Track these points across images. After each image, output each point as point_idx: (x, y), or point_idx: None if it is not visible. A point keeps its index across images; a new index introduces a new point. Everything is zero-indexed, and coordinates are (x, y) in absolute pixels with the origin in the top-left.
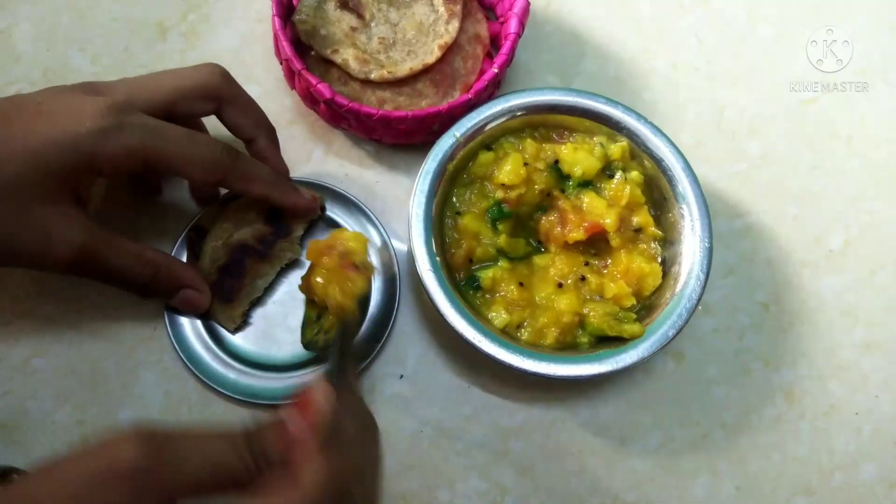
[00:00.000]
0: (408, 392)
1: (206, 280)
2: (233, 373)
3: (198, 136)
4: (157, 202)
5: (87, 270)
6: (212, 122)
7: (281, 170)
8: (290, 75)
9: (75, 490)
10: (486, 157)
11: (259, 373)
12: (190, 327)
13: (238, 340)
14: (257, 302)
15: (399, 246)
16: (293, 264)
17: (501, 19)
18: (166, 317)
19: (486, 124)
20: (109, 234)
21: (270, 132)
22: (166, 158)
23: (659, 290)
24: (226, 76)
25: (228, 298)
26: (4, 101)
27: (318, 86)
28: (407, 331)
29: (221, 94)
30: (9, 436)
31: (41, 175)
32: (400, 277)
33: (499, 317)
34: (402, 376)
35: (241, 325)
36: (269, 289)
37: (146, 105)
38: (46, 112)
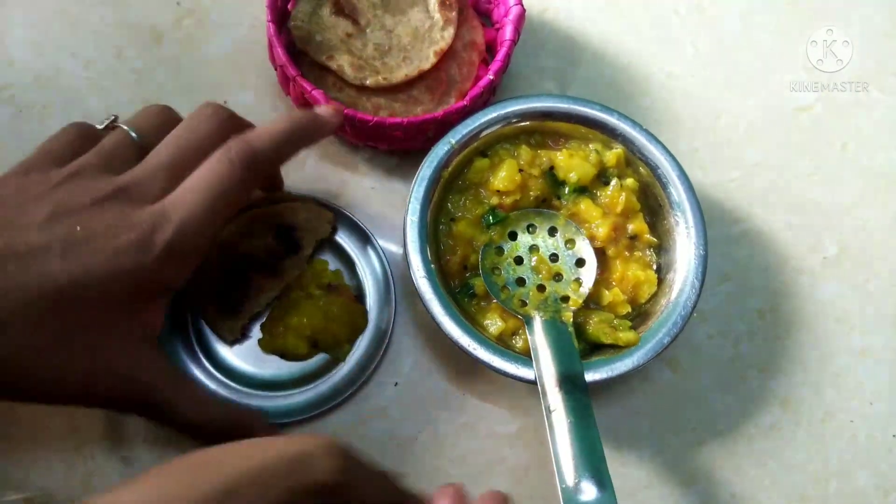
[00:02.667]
0: (403, 399)
1: (208, 275)
2: (223, 389)
3: (218, 186)
4: None
5: (143, 412)
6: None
7: (277, 184)
8: (285, 81)
9: (277, 498)
10: (481, 163)
11: (250, 390)
12: (181, 340)
13: (230, 356)
14: (256, 316)
15: (394, 251)
16: None
17: (497, 26)
18: (208, 364)
19: (481, 131)
20: (178, 377)
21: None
22: (220, 216)
23: (654, 297)
24: (231, 116)
25: (232, 311)
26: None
27: (313, 92)
28: (402, 338)
29: (231, 135)
30: (1, 443)
31: (103, 306)
32: (395, 288)
33: (494, 324)
34: (396, 384)
35: (239, 338)
36: (270, 305)
37: (177, 185)
38: (83, 239)
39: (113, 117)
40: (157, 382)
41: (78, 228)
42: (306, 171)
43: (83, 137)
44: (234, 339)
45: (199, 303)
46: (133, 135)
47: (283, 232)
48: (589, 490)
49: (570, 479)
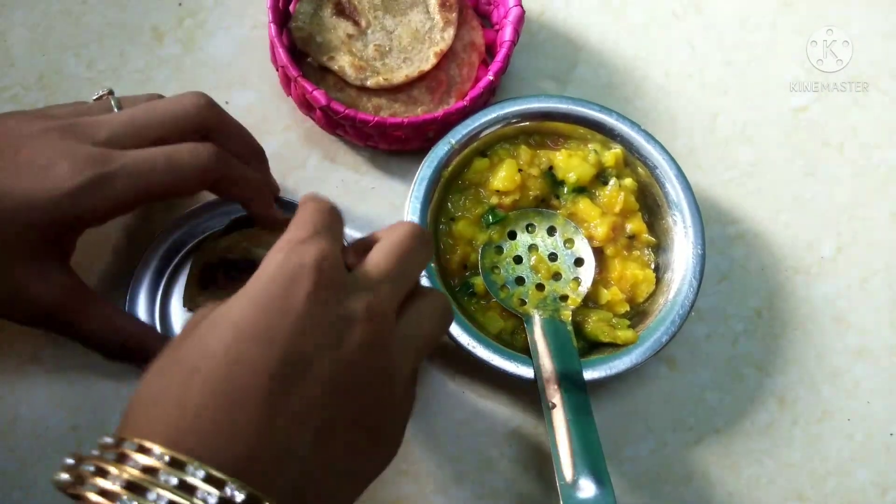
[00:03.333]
0: None
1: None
2: None
3: (181, 152)
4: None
5: (55, 329)
6: None
7: (272, 189)
8: (286, 82)
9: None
10: (480, 163)
11: None
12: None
13: None
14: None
15: None
16: None
17: (497, 27)
18: (157, 324)
19: (481, 131)
20: (88, 297)
21: (260, 155)
22: (157, 192)
23: (652, 296)
24: (212, 106)
25: (204, 287)
26: None
27: (314, 93)
28: None
29: (209, 125)
30: (2, 441)
31: (21, 232)
32: None
33: (494, 322)
34: None
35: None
36: None
37: (131, 145)
38: (26, 163)
39: (107, 90)
40: (65, 302)
41: (16, 153)
42: (307, 172)
43: (72, 106)
44: (190, 307)
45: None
46: (114, 105)
47: (244, 265)
48: (588, 487)
49: (568, 476)
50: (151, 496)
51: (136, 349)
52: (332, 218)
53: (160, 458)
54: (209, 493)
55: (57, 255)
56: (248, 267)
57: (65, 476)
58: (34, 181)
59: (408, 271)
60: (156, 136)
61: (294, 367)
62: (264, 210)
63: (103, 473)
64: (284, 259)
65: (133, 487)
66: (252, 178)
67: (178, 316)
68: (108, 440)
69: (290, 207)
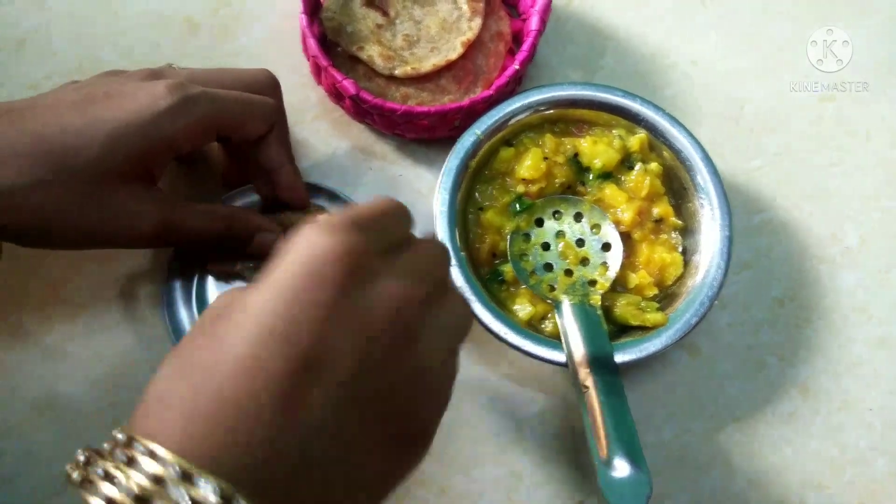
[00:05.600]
0: None
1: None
2: None
3: (251, 95)
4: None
5: (170, 239)
6: None
7: (302, 200)
8: (317, 71)
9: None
10: (506, 152)
11: None
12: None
13: None
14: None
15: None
16: None
17: (523, 16)
18: (195, 307)
19: (507, 120)
20: (181, 202)
21: (293, 161)
22: (232, 122)
23: (680, 279)
24: (278, 85)
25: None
26: (71, 90)
27: (344, 82)
28: None
29: (273, 98)
30: (42, 415)
31: (121, 159)
32: None
33: (523, 309)
34: None
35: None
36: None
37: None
38: (117, 96)
39: (168, 64)
40: (167, 215)
41: (106, 94)
42: (337, 160)
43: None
44: (217, 271)
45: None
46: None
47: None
48: (622, 467)
49: (604, 456)
50: None
51: (242, 229)
52: (386, 215)
53: (170, 466)
54: None
55: (151, 178)
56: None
57: (74, 474)
58: (128, 110)
59: (432, 269)
60: (228, 86)
61: (315, 369)
62: (297, 180)
63: (110, 478)
64: (311, 245)
65: (140, 501)
66: (290, 147)
67: (215, 297)
68: (120, 437)
69: (314, 190)
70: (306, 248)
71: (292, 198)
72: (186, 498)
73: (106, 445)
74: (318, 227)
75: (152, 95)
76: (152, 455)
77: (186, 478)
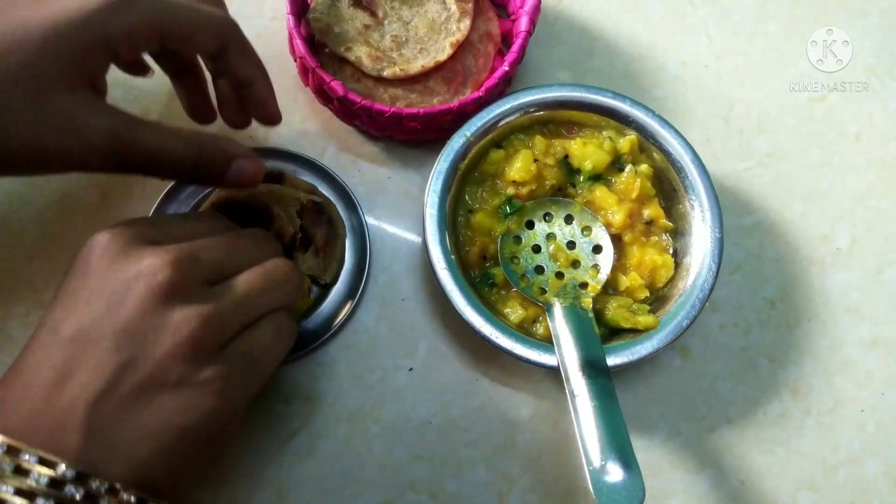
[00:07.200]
0: (417, 384)
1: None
2: None
3: (198, 3)
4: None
5: (125, 159)
6: None
7: (275, 116)
8: (304, 72)
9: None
10: (496, 154)
11: None
12: None
13: None
14: None
15: (412, 239)
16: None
17: (513, 17)
18: None
19: (496, 122)
20: (136, 119)
21: (267, 77)
22: (179, 27)
23: (671, 281)
24: (235, 24)
25: None
26: None
27: (332, 83)
28: (417, 324)
29: (228, 30)
30: None
31: (55, 60)
32: (370, 240)
33: (514, 312)
34: (411, 369)
35: None
36: None
37: None
38: None
39: None
40: (120, 127)
41: None
42: (324, 162)
43: None
44: None
45: None
46: None
47: (258, 215)
48: (615, 471)
49: (596, 461)
50: None
51: (217, 153)
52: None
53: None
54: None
55: (92, 87)
56: (258, 217)
57: None
58: (57, 8)
59: (261, 303)
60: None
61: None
62: (270, 94)
63: None
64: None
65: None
66: (260, 61)
67: None
68: None
69: (293, 159)
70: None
71: (265, 114)
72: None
73: None
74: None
75: None
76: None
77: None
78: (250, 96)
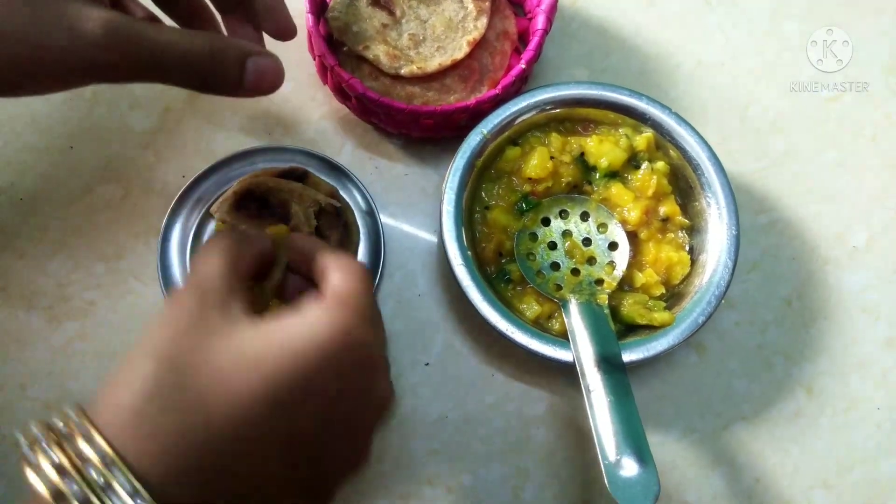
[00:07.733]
0: (433, 379)
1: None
2: None
3: None
4: None
5: (129, 56)
6: None
7: (289, 25)
8: (323, 70)
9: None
10: (512, 152)
11: None
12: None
13: None
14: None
15: (428, 235)
16: None
17: (529, 16)
18: (189, 267)
19: (513, 119)
20: (140, 20)
21: None
22: None
23: (687, 278)
24: None
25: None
26: None
27: (350, 81)
28: (433, 320)
29: None
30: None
31: None
32: (385, 239)
33: (530, 308)
34: (427, 364)
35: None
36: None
37: None
38: None
39: None
40: (115, 17)
41: None
42: (343, 159)
43: None
44: (219, 218)
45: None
46: None
47: (277, 211)
48: (630, 466)
49: (611, 456)
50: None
51: (230, 49)
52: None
53: (98, 451)
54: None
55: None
56: (278, 213)
57: (24, 444)
58: None
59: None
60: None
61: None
62: (281, 4)
63: (44, 449)
64: (340, 335)
65: (60, 471)
66: None
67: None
68: (71, 414)
69: (306, 156)
70: (333, 335)
71: (277, 24)
72: (102, 480)
73: (58, 421)
74: (345, 318)
75: None
76: (88, 437)
77: (107, 464)
78: (261, 6)
